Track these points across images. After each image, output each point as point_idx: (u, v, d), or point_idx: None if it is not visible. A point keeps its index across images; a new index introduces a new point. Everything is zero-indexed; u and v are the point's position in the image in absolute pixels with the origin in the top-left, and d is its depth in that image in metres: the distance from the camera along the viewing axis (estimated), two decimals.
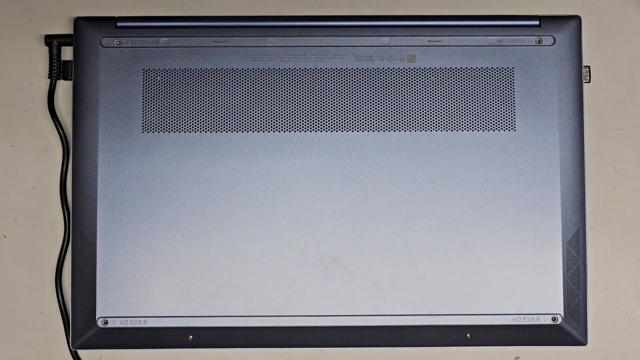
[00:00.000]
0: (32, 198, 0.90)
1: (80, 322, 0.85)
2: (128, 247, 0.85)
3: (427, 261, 0.86)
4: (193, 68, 0.87)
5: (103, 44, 0.87)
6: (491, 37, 0.88)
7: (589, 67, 0.89)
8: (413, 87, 0.87)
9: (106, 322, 0.85)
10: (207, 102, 0.87)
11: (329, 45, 0.87)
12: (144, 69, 0.87)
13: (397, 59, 0.87)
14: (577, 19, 0.88)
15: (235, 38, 0.87)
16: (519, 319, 0.86)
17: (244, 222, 0.86)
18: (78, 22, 0.88)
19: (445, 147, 0.87)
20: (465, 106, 0.87)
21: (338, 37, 0.87)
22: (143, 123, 0.86)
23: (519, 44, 0.88)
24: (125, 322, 0.85)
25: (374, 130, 0.87)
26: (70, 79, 0.88)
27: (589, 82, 0.89)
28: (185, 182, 0.86)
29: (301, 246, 0.86)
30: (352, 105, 0.87)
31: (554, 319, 0.86)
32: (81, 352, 0.89)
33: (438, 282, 0.86)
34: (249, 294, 0.85)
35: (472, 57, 0.87)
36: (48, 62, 0.90)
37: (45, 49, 0.90)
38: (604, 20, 0.92)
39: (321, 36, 0.87)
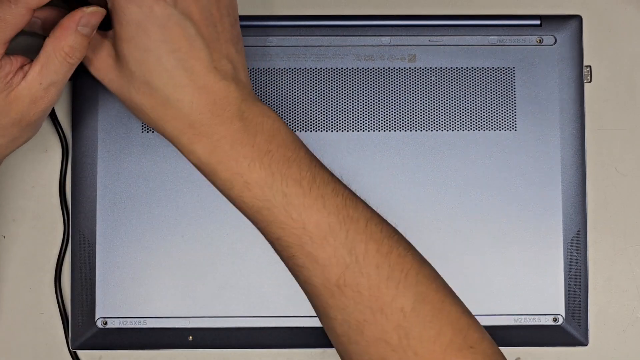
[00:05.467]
0: (31, 198, 0.89)
1: (80, 322, 0.85)
2: (128, 247, 0.85)
3: None
4: None
5: None
6: (492, 37, 0.87)
7: (590, 67, 0.89)
8: (414, 87, 0.87)
9: (105, 323, 0.85)
10: None
11: (329, 45, 0.87)
12: None
13: (398, 58, 0.87)
14: (578, 18, 0.88)
15: None
16: (519, 320, 0.85)
17: (244, 222, 0.85)
18: None
19: (445, 147, 0.86)
20: (465, 106, 0.87)
21: (338, 37, 0.87)
22: (143, 123, 0.86)
23: (519, 44, 0.87)
24: (124, 323, 0.85)
25: (374, 130, 0.86)
26: (70, 79, 0.88)
27: (590, 82, 0.89)
28: (185, 182, 0.86)
29: None
30: (352, 105, 0.87)
31: (554, 320, 0.85)
32: (80, 353, 0.88)
33: None
34: (249, 295, 0.85)
35: (472, 57, 0.87)
36: None
37: None
38: (606, 20, 0.91)
39: (321, 36, 0.87)
